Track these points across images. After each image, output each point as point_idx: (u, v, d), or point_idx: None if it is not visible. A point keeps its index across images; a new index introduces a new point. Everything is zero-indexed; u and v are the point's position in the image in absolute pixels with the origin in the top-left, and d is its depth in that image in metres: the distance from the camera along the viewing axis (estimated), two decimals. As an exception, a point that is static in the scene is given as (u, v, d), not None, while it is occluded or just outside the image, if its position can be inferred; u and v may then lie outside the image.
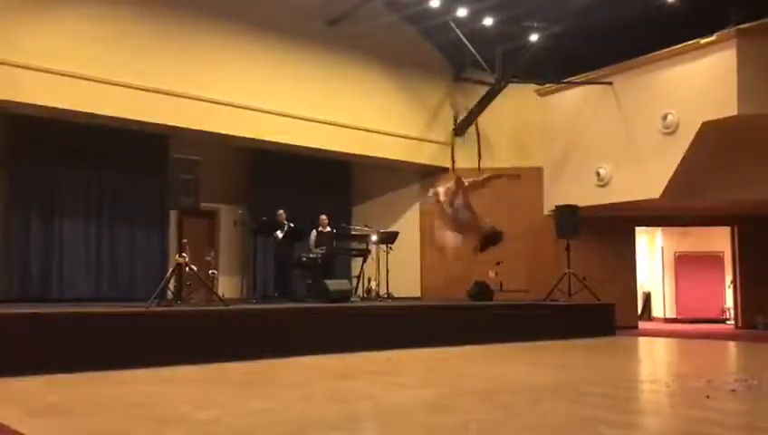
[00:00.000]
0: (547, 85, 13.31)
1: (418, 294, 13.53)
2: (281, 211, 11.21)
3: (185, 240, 8.18)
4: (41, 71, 9.33)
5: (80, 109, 9.74)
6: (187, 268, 8.04)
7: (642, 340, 11.05)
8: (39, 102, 9.43)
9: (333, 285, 9.52)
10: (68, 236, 10.86)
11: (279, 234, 11.02)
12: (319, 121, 12.06)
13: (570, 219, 11.55)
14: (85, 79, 9.66)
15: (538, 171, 13.41)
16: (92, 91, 9.71)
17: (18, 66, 9.16)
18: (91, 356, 6.14)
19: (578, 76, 12.74)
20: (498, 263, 12.24)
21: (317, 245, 11.21)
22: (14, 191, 10.41)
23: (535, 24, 12.23)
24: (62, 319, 6.41)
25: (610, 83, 12.26)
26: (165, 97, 10.35)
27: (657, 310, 16.54)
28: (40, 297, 10.26)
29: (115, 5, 10.14)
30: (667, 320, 15.99)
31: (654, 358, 8.98)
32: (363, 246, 11.73)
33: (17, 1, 9.40)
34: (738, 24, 10.45)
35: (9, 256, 10.24)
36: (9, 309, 6.78)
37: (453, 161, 13.95)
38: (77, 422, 4.11)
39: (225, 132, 11.13)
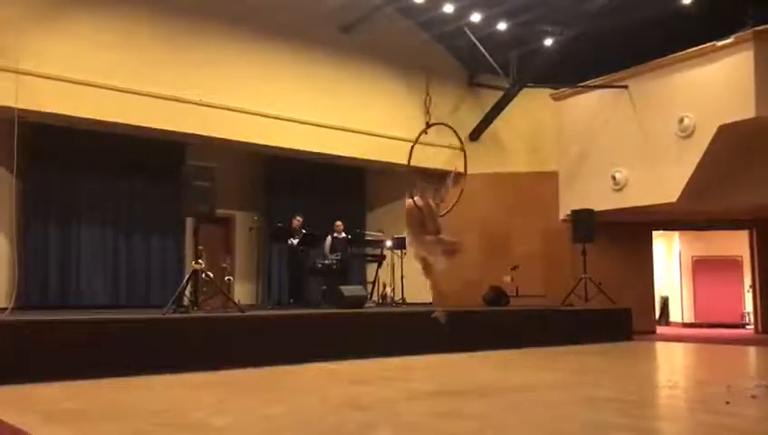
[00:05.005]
0: (562, 89, 13.26)
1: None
2: (298, 217, 11.16)
3: (201, 247, 8.21)
4: (58, 80, 9.43)
5: (96, 117, 9.82)
6: (204, 275, 8.07)
7: (660, 345, 10.94)
8: (56, 111, 9.53)
9: (348, 290, 9.51)
10: (85, 243, 10.93)
11: (294, 240, 11.03)
12: (333, 127, 12.08)
13: (586, 224, 11.49)
14: (101, 87, 9.75)
15: (553, 176, 13.35)
16: (109, 100, 9.79)
17: (36, 75, 9.26)
18: (108, 363, 6.18)
19: (593, 80, 12.67)
20: (514, 268, 12.18)
21: (332, 251, 11.21)
22: (31, 199, 10.49)
23: (549, 29, 12.19)
24: (80, 326, 6.46)
25: (626, 87, 12.19)
26: (180, 105, 10.42)
27: (674, 315, 16.40)
28: (57, 304, 10.34)
29: (131, 15, 10.24)
30: (685, 325, 15.84)
31: (672, 363, 8.90)
32: (378, 251, 11.73)
33: (36, 11, 9.52)
34: (755, 26, 10.36)
35: (27, 264, 10.31)
36: (27, 316, 6.85)
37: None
38: (94, 428, 4.14)
39: (239, 139, 11.18)
